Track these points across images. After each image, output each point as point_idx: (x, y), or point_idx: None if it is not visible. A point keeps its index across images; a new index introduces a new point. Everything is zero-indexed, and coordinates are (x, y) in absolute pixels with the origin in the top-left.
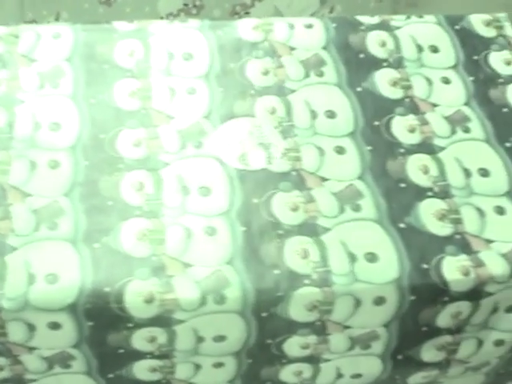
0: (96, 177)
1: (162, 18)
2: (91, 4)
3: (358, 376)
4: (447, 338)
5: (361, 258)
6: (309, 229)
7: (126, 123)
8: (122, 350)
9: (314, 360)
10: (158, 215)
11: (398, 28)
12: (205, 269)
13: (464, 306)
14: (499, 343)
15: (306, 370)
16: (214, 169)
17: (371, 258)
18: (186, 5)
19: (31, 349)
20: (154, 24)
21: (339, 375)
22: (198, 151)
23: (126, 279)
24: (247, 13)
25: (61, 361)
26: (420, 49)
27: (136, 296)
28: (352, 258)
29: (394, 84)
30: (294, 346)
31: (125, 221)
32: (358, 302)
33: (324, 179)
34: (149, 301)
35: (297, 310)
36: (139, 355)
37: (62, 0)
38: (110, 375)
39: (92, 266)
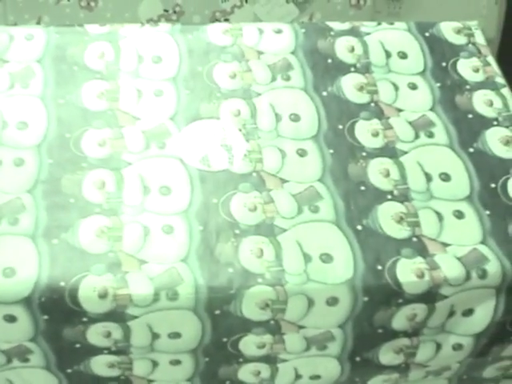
0: (59, 175)
1: (142, 23)
2: (72, 9)
3: (316, 377)
4: (404, 341)
5: (315, 259)
6: (266, 229)
7: (92, 123)
8: (78, 345)
9: (271, 360)
10: (118, 213)
11: (367, 34)
12: (159, 266)
13: (419, 309)
14: (458, 347)
15: (264, 369)
16: (175, 169)
17: (326, 258)
18: (166, 11)
19: None
20: (125, 27)
21: (298, 376)
22: (160, 152)
23: (82, 274)
24: (227, 19)
25: (19, 354)
26: (388, 55)
27: (90, 291)
28: (307, 258)
29: (361, 89)
30: (249, 344)
31: (84, 218)
32: (311, 302)
33: (284, 181)
34: (102, 296)
35: (249, 308)
36: (96, 350)
37: (43, 4)
38: (69, 370)
39: (49, 261)
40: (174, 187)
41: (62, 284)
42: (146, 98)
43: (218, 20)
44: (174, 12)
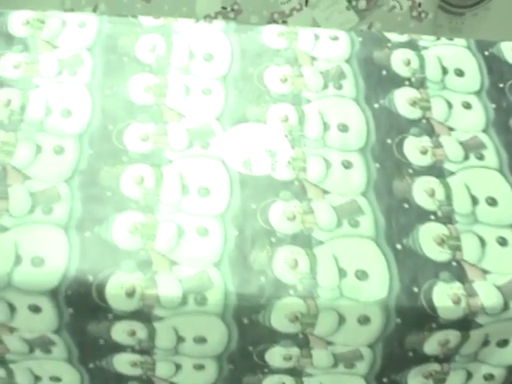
0: (98, 166)
1: (198, 19)
2: None
3: None
4: (435, 366)
5: (350, 275)
6: (302, 240)
7: (136, 117)
8: (102, 341)
9: (296, 373)
10: (154, 211)
11: (425, 48)
12: (191, 268)
13: (453, 335)
14: (489, 378)
15: (289, 382)
16: (216, 170)
17: (361, 275)
18: (224, 8)
19: (12, 329)
20: (179, 22)
21: None
22: (203, 152)
23: (111, 270)
24: (284, 22)
25: (41, 345)
26: (445, 71)
27: (117, 288)
28: (342, 273)
29: (413, 104)
30: (276, 356)
31: (119, 213)
32: (342, 319)
33: (326, 192)
34: (130, 294)
35: (279, 319)
36: (120, 348)
37: None
38: (91, 365)
39: (79, 254)
40: (213, 189)
41: (90, 278)
42: (193, 95)
43: (275, 21)
44: (232, 10)
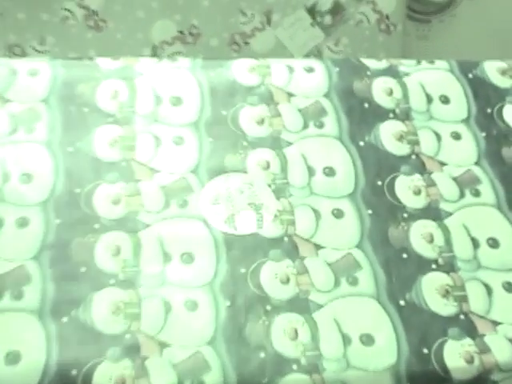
0: (68, 238)
1: (155, 46)
2: (79, 28)
3: None
4: None
5: (355, 341)
6: (299, 305)
7: (104, 177)
8: None
9: None
10: (135, 285)
11: (406, 74)
12: (183, 350)
13: None
14: None
15: None
16: (198, 232)
17: (366, 340)
18: (181, 32)
19: None
20: (141, 62)
21: None
22: (182, 211)
23: (96, 360)
24: (246, 43)
25: None
26: (429, 99)
27: (105, 380)
28: (346, 339)
29: (400, 138)
30: None
31: (97, 291)
32: None
33: (319, 247)
34: None
35: None
36: None
37: (47, 23)
38: None
39: (58, 344)
40: (197, 254)
41: (74, 372)
42: (164, 146)
43: (237, 43)
44: (190, 34)
